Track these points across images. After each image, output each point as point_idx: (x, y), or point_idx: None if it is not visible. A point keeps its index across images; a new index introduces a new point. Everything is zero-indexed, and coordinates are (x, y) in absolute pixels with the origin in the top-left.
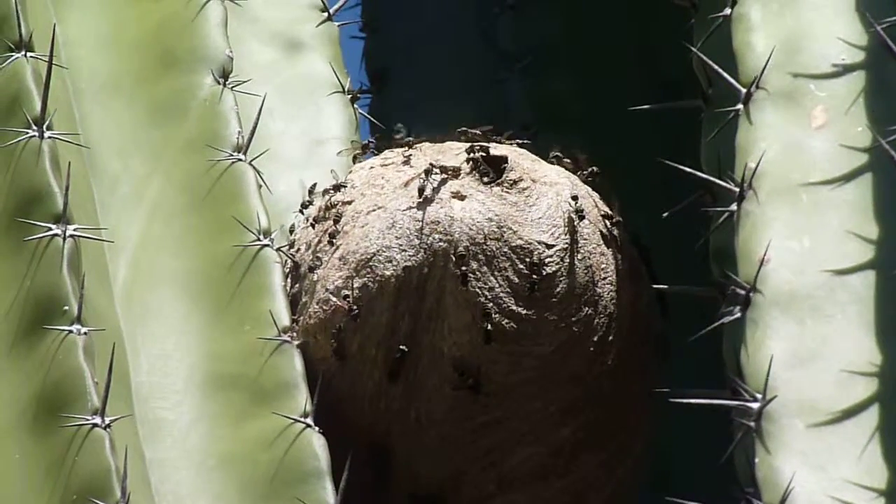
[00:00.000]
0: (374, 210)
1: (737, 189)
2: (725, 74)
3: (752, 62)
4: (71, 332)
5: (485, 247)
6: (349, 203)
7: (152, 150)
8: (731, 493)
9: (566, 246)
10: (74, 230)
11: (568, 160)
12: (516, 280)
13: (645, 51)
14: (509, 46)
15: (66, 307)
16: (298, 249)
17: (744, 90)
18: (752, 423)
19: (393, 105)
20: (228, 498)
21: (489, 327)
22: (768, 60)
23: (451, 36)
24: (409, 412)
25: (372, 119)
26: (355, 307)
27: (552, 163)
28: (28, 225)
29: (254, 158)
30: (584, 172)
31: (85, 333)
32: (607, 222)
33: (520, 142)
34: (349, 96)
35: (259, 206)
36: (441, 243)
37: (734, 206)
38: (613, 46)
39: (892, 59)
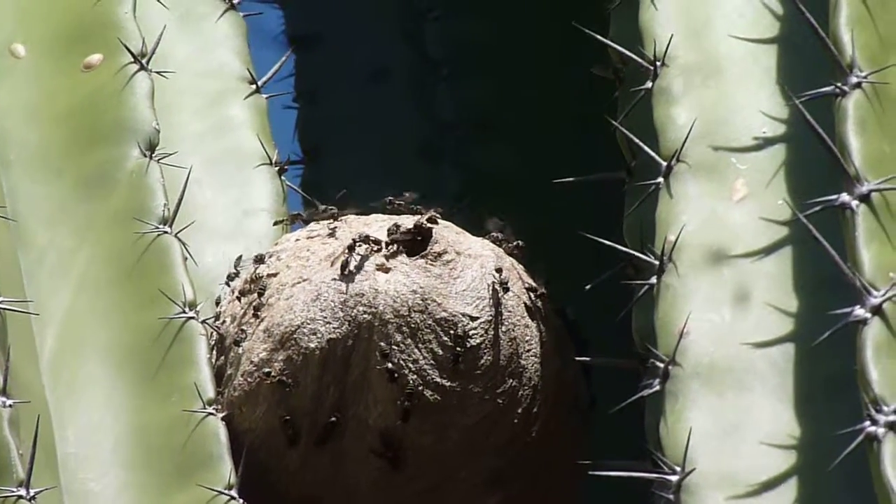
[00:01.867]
0: (299, 282)
1: (657, 262)
2: (646, 147)
3: (672, 135)
4: None
5: (409, 319)
6: (274, 275)
7: (79, 222)
8: None
9: (490, 318)
10: (0, 302)
11: (494, 233)
12: (440, 352)
13: (581, 121)
14: (444, 116)
15: None
16: (224, 322)
17: (664, 163)
18: (672, 496)
19: (325, 175)
20: None
21: (408, 404)
22: (689, 133)
23: (385, 107)
24: (336, 481)
25: (298, 191)
26: (284, 379)
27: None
28: None
29: (180, 231)
30: (510, 245)
31: (10, 406)
32: (532, 294)
33: (439, 213)
34: (276, 168)
35: (184, 279)
36: (365, 315)
37: (654, 279)
38: (549, 115)
39: (812, 132)
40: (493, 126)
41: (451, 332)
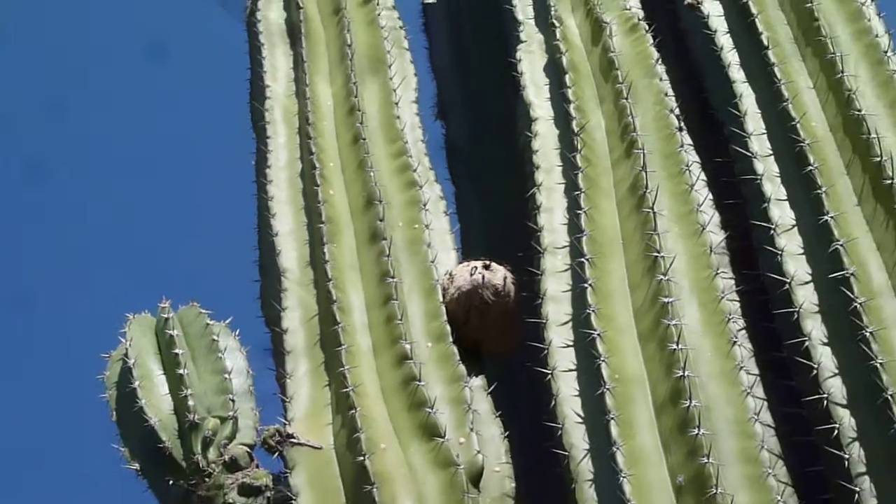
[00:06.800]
0: (460, 274)
1: (540, 272)
2: (538, 247)
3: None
4: None
5: (486, 284)
6: (456, 274)
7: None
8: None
9: (504, 283)
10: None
11: (504, 265)
12: (493, 290)
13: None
14: (479, 238)
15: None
16: (444, 282)
17: (543, 250)
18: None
19: (469, 252)
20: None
21: (486, 304)
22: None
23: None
24: (468, 319)
25: (461, 259)
26: (459, 297)
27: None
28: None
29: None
30: (507, 266)
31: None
32: (511, 276)
33: (489, 262)
34: (458, 250)
35: (436, 277)
36: (475, 282)
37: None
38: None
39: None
40: (496, 231)
41: (495, 287)
